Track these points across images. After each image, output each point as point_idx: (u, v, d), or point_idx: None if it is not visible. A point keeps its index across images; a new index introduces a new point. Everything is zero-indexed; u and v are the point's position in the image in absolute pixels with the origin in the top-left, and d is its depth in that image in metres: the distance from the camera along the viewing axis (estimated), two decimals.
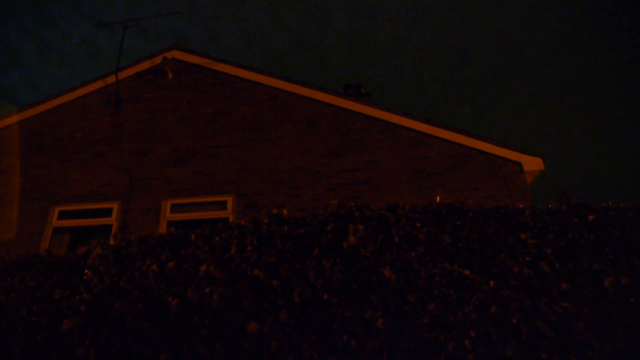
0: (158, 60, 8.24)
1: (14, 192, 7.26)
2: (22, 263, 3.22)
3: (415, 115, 7.52)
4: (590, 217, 3.02)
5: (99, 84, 8.23)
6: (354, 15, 57.04)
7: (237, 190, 6.87)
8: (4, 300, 2.83)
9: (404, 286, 2.80)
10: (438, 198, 3.42)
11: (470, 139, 7.21)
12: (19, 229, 6.89)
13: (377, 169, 7.07)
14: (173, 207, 6.83)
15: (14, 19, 49.05)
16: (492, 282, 2.75)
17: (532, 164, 6.97)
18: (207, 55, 8.39)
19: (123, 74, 8.20)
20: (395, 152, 7.21)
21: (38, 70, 52.82)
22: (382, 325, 2.67)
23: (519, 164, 6.95)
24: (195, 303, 2.82)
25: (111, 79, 8.17)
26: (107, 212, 6.92)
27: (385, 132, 7.40)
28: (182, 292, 2.89)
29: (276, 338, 2.70)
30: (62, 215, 6.99)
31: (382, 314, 2.71)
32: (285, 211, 3.13)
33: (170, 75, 8.08)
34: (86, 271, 3.15)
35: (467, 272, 2.83)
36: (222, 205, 6.77)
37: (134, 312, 2.87)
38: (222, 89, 7.94)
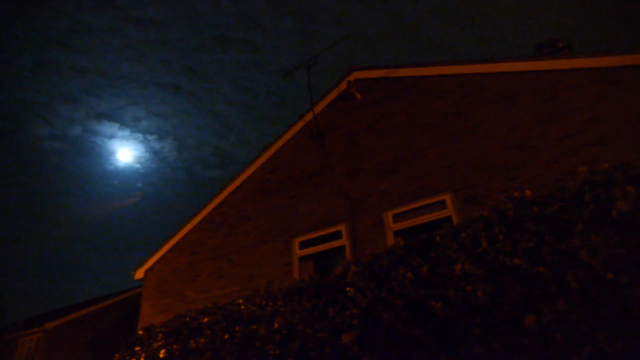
0: (343, 85, 8.77)
1: (262, 232, 8.56)
2: (294, 289, 3.69)
3: (636, 48, 6.22)
4: None
5: (300, 124, 9.17)
6: None
7: (451, 186, 6.71)
8: (292, 322, 3.27)
9: None
10: None
11: None
12: (273, 262, 8.04)
13: (603, 125, 6.04)
14: (394, 217, 7.05)
15: (221, 94, 61.03)
16: None
17: None
18: (385, 65, 8.55)
19: (317, 108, 8.96)
20: (622, 100, 6.04)
21: (244, 129, 63.73)
22: None
23: None
24: (459, 303, 2.79)
25: (309, 116, 9.01)
26: (338, 235, 7.54)
27: (602, 81, 6.30)
28: (442, 295, 2.89)
29: (560, 330, 2.46)
30: (302, 244, 7.90)
31: None
32: (528, 192, 2.89)
33: (358, 96, 8.49)
34: (348, 289, 3.43)
35: None
36: (441, 204, 6.69)
37: (401, 319, 2.99)
38: (408, 93, 7.98)
